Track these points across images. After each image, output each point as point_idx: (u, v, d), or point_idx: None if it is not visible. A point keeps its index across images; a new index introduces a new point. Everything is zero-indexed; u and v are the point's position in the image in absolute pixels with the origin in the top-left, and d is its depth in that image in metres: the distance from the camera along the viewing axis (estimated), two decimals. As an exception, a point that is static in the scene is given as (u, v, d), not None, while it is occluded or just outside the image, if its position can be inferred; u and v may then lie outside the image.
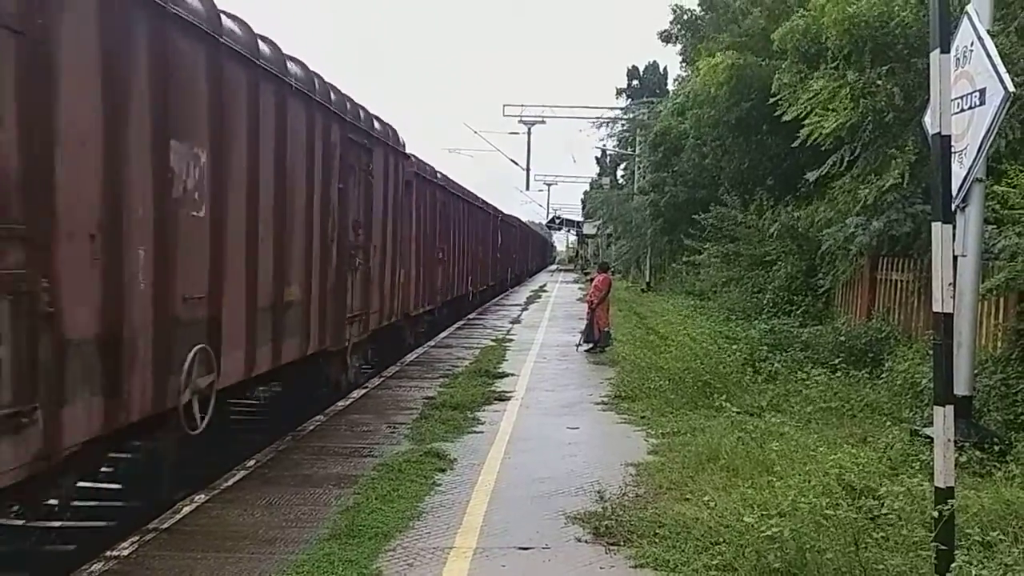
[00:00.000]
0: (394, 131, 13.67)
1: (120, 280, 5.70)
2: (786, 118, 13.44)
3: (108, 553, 5.64)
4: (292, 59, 8.98)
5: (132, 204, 5.84)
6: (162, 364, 6.25)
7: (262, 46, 8.07)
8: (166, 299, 6.28)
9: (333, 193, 10.26)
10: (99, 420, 5.51)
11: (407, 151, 14.90)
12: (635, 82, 66.28)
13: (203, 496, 6.91)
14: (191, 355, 6.62)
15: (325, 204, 9.97)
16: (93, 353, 5.43)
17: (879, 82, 10.76)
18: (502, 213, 37.40)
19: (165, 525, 6.21)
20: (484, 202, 29.95)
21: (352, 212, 11.14)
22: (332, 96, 10.21)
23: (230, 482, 7.36)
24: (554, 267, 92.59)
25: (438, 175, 19.47)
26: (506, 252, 38.61)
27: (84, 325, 5.34)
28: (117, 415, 5.70)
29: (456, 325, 22.37)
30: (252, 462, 8.03)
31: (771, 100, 14.24)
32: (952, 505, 4.65)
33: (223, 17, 7.19)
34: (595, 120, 44.23)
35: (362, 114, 11.64)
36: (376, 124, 12.49)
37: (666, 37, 25.41)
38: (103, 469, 6.88)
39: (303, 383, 10.27)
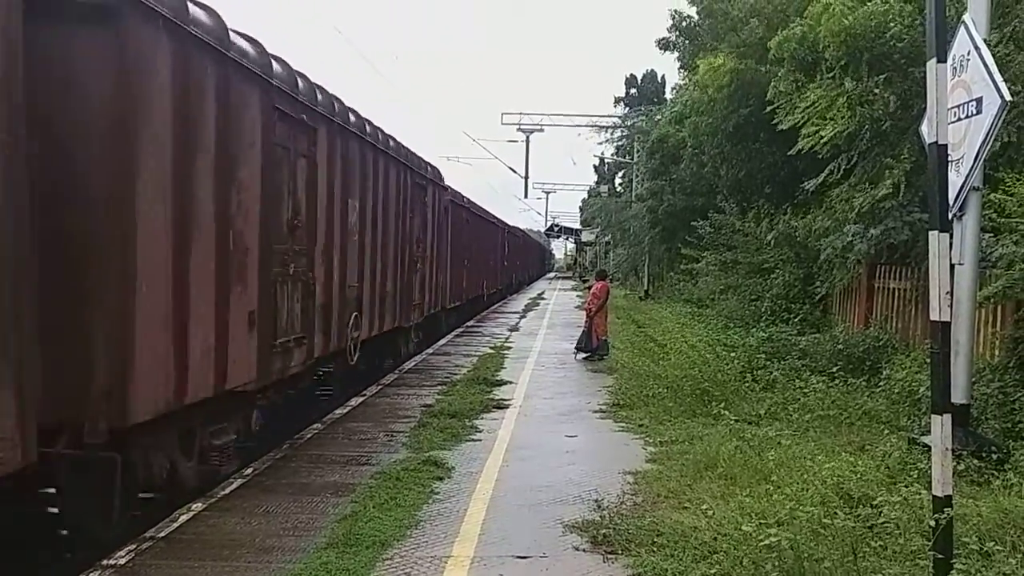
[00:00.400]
0: (438, 171, 19.14)
1: (331, 274, 10.39)
2: (782, 127, 13.46)
3: (104, 562, 5.64)
4: (390, 136, 13.81)
5: (335, 234, 10.53)
6: (342, 321, 10.94)
7: (383, 137, 13.15)
8: (343, 285, 10.93)
9: (406, 221, 15.19)
10: (324, 347, 10.22)
11: (445, 184, 20.08)
12: (633, 90, 66.45)
13: (200, 504, 6.90)
14: (352, 317, 11.30)
15: (403, 228, 14.95)
16: (322, 312, 10.07)
17: (876, 91, 10.79)
18: (508, 225, 41.70)
19: (162, 534, 6.20)
20: (495, 217, 34.95)
21: (415, 232, 16.22)
22: (408, 154, 15.16)
23: (227, 490, 7.36)
24: (552, 275, 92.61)
25: (465, 199, 24.65)
26: (512, 260, 43.79)
27: (320, 297, 9.95)
28: (328, 345, 10.40)
29: (454, 332, 22.40)
30: (250, 470, 8.03)
31: (767, 108, 14.26)
32: (950, 514, 4.65)
33: (379, 132, 12.80)
34: (594, 125, 44.25)
35: (423, 163, 16.93)
36: (429, 168, 17.72)
37: (664, 45, 25.43)
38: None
39: (379, 350, 14.40)
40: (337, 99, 10.74)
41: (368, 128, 12.16)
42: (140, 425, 6.03)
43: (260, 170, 7.97)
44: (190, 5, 6.66)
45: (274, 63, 8.44)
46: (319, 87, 9.99)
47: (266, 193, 8.07)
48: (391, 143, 13.75)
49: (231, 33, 7.41)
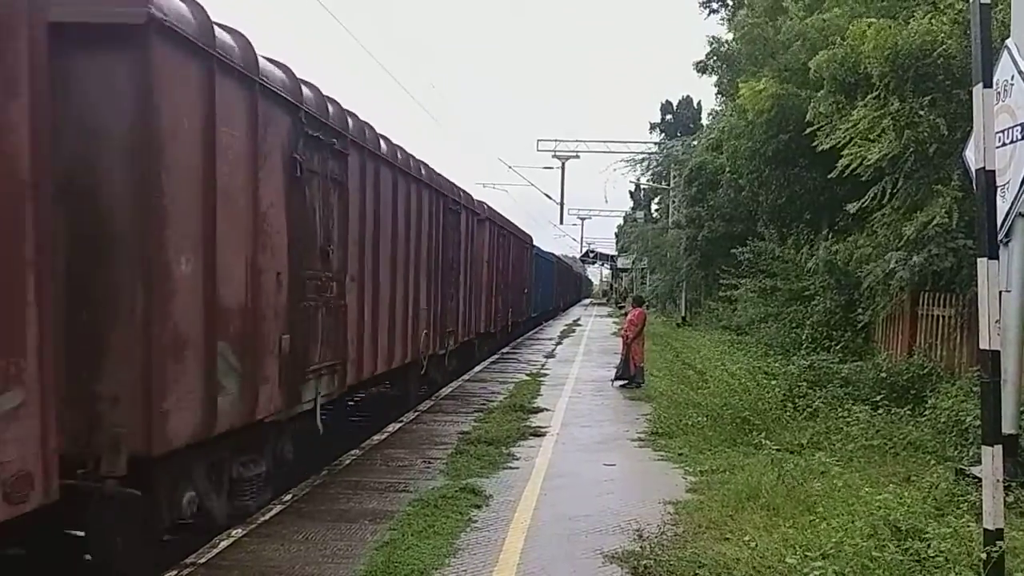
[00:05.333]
0: (530, 236, 32.08)
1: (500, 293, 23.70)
2: (822, 147, 13.34)
3: (146, 587, 5.69)
4: (514, 223, 26.88)
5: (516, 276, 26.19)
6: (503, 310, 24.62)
7: (518, 230, 27.42)
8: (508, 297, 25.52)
9: (524, 271, 28.65)
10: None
11: (533, 244, 33.97)
12: (668, 116, 66.52)
13: (240, 530, 6.93)
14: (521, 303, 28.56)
15: (518, 277, 26.82)
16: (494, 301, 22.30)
17: (921, 113, 10.66)
18: (560, 259, 55.43)
19: (202, 560, 6.23)
20: (552, 254, 48.57)
21: (524, 279, 29.13)
22: (518, 229, 27.24)
23: (267, 516, 7.38)
24: (587, 301, 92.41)
25: (542, 249, 40.35)
26: (563, 286, 58.11)
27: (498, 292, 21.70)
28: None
29: (490, 359, 22.40)
30: (288, 496, 8.05)
31: (807, 131, 14.14)
32: (1002, 547, 4.53)
33: (515, 225, 26.79)
34: (628, 162, 44.05)
35: (526, 234, 29.98)
36: (528, 235, 31.40)
37: (702, 68, 25.38)
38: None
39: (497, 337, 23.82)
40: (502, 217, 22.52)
41: (517, 229, 25.42)
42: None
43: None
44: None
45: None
46: (514, 223, 23.40)
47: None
48: (513, 226, 25.54)
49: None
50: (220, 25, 6.54)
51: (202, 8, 6.20)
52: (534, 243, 33.81)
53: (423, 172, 13.22)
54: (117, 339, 5.48)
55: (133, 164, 5.53)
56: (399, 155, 11.61)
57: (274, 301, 7.42)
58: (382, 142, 10.84)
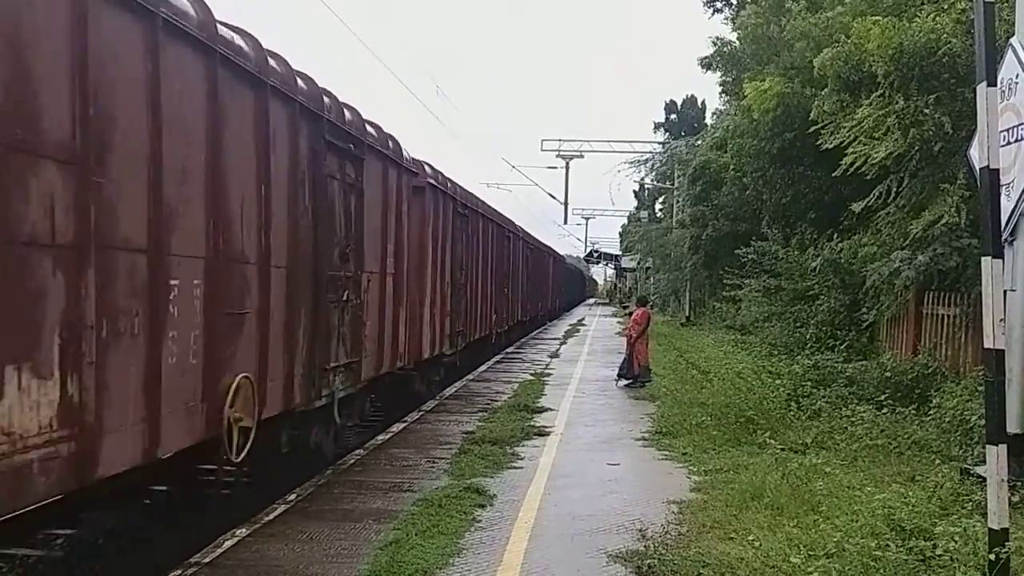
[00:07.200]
0: (563, 257, 52.48)
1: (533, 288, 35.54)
2: (826, 146, 13.31)
3: (151, 586, 5.72)
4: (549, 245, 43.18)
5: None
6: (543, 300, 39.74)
7: (548, 248, 41.81)
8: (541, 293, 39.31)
9: (558, 278, 46.80)
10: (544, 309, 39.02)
11: (558, 254, 48.99)
12: (673, 116, 66.51)
13: (244, 530, 6.93)
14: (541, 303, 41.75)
15: (559, 281, 47.63)
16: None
17: (926, 111, 10.64)
18: (565, 260, 60.51)
19: (207, 559, 6.23)
20: (562, 257, 56.26)
21: (559, 283, 47.22)
22: (552, 250, 44.23)
23: (271, 516, 7.39)
24: (592, 301, 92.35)
25: (562, 254, 52.51)
26: (569, 286, 62.97)
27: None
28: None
29: (495, 359, 22.42)
30: (293, 496, 8.06)
31: (812, 129, 14.12)
32: (1008, 547, 4.53)
33: (545, 244, 41.10)
34: (632, 162, 44.04)
35: (559, 254, 49.36)
36: (561, 255, 51.40)
37: (707, 64, 25.38)
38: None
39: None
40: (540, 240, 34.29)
41: (552, 250, 38.41)
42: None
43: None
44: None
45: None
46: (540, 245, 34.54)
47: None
48: (553, 251, 39.95)
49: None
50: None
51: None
52: (564, 258, 50.73)
53: (552, 250, 33.22)
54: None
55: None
56: (540, 245, 31.56)
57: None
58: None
